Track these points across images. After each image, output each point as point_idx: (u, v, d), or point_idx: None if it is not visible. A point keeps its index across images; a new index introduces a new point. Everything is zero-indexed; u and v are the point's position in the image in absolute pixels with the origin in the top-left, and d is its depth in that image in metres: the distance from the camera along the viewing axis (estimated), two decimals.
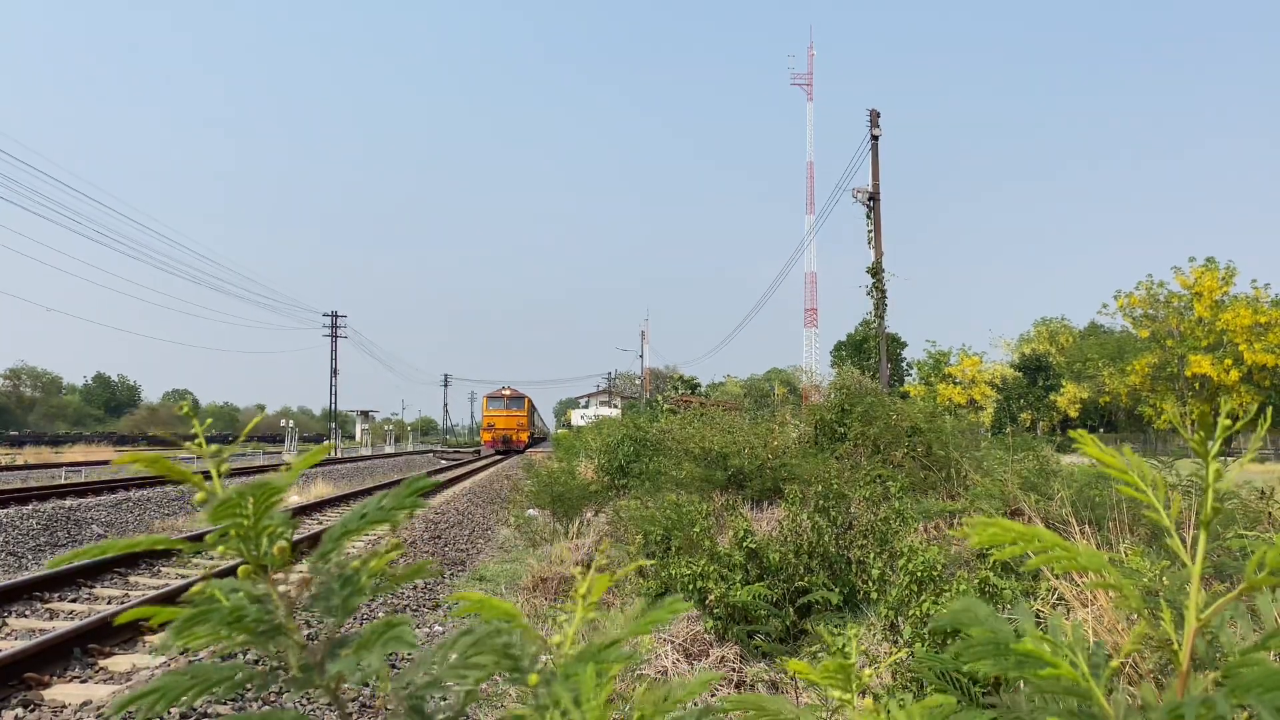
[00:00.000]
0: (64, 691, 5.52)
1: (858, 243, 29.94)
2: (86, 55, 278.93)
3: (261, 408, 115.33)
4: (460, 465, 37.53)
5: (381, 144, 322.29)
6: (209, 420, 0.93)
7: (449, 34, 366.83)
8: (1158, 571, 3.94)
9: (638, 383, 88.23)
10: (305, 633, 0.82)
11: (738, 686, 5.01)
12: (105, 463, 34.02)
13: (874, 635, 4.88)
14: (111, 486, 19.80)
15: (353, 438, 64.04)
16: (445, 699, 0.81)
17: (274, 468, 24.36)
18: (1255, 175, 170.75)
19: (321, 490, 21.03)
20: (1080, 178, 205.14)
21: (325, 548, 0.85)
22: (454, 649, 0.82)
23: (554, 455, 24.01)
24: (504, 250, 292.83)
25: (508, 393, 60.41)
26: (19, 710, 5.15)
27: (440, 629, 7.41)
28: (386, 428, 74.97)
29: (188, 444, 0.88)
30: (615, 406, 70.43)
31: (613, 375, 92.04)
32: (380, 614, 7.67)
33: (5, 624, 7.41)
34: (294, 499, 17.96)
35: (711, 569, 5.68)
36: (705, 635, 5.72)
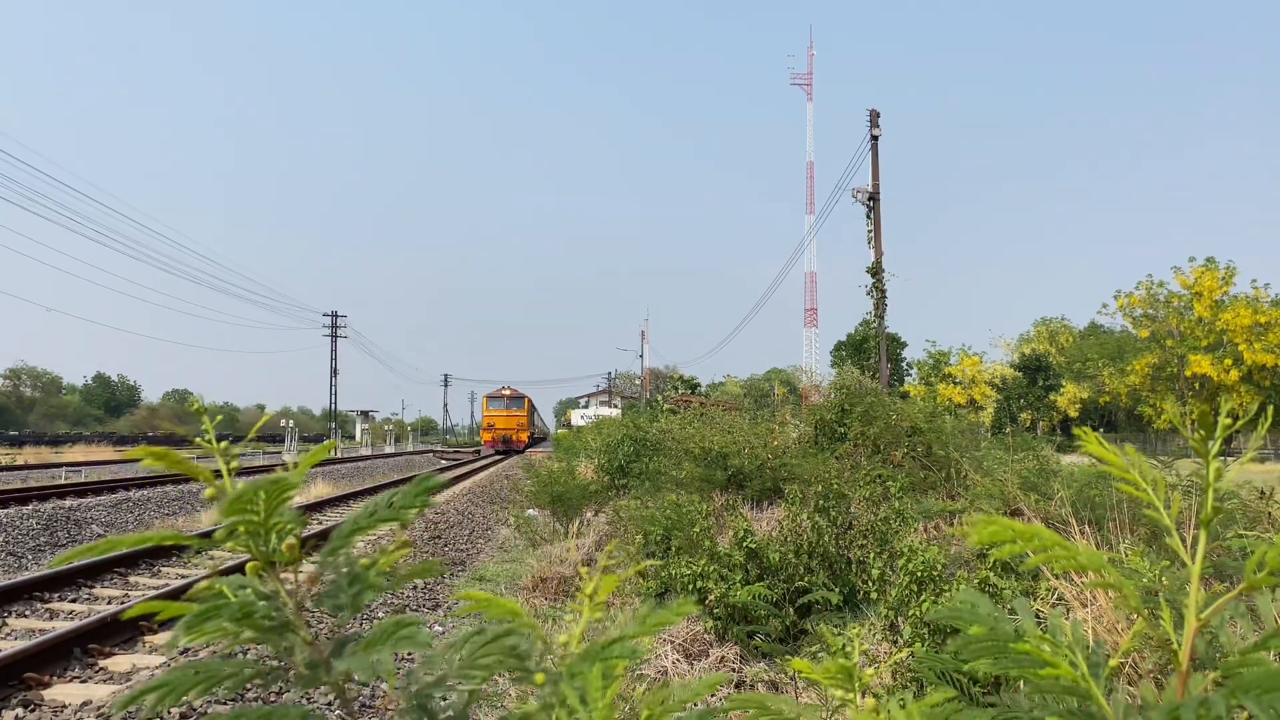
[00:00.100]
0: (64, 691, 5.53)
1: (858, 243, 29.97)
2: (86, 55, 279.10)
3: (261, 407, 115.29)
4: (460, 465, 37.53)
5: (381, 144, 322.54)
6: (219, 420, 0.93)
7: (449, 33, 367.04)
8: (1157, 572, 3.95)
9: (638, 383, 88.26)
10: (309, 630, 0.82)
11: (737, 686, 5.01)
12: (106, 463, 34.02)
13: (874, 635, 4.88)
14: (111, 487, 19.80)
15: (353, 438, 64.04)
16: (445, 698, 0.82)
17: (274, 467, 24.36)
18: (1255, 175, 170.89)
19: (321, 490, 21.03)
20: (1080, 177, 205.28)
21: (335, 544, 0.85)
22: (461, 648, 0.82)
23: (554, 455, 24.02)
24: (504, 250, 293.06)
25: (508, 393, 60.40)
26: (19, 710, 5.15)
27: (440, 629, 7.41)
28: (386, 428, 74.98)
29: (199, 439, 0.89)
30: (615, 406, 70.45)
31: (613, 375, 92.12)
32: (380, 614, 7.67)
33: (5, 624, 7.41)
34: (294, 499, 17.95)
35: (711, 569, 5.69)
36: (705, 635, 5.72)
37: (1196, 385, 56.97)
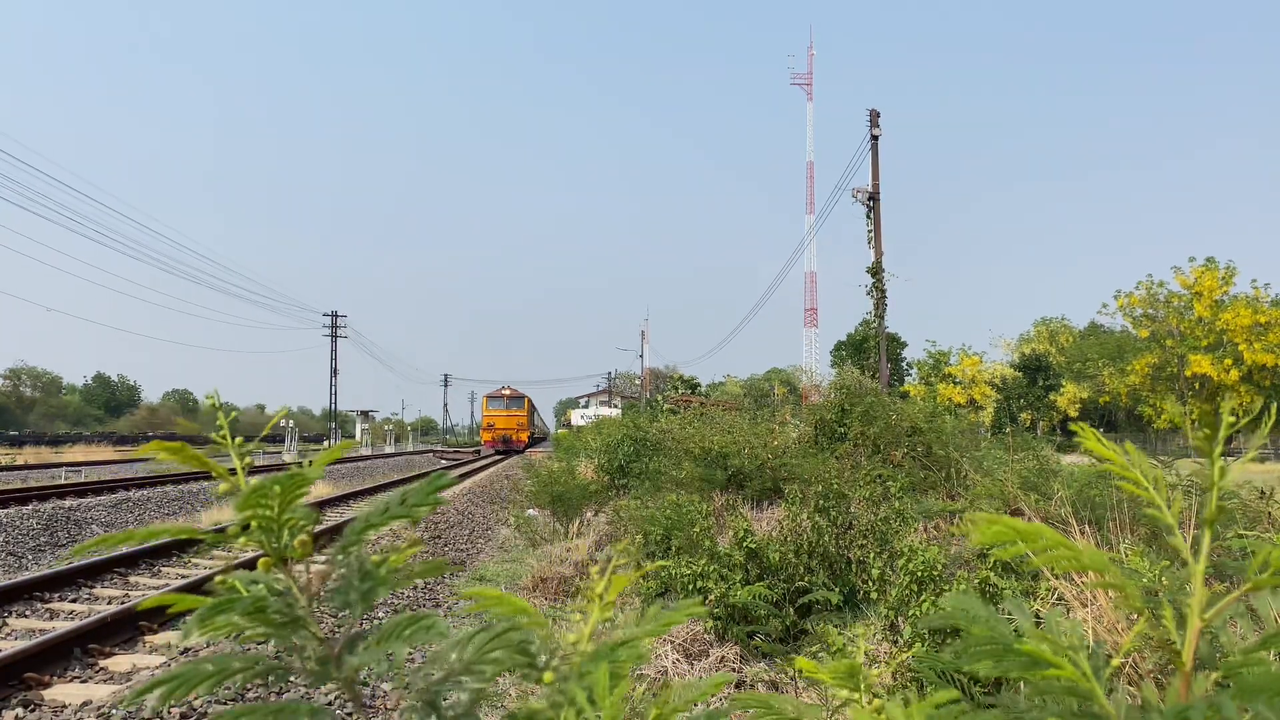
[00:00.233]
0: (64, 691, 5.52)
1: (858, 243, 29.96)
2: (86, 55, 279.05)
3: (261, 408, 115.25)
4: (460, 465, 37.52)
5: (381, 144, 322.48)
6: (233, 417, 0.93)
7: (449, 33, 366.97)
8: (1157, 572, 3.95)
9: (638, 383, 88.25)
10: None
11: (738, 687, 5.01)
12: (105, 463, 34.01)
13: (874, 635, 4.88)
14: (111, 487, 19.80)
15: (353, 438, 64.03)
16: (447, 696, 0.82)
17: (274, 468, 24.40)
18: (1256, 175, 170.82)
19: (321, 490, 21.03)
20: (1080, 177, 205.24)
21: (347, 541, 0.85)
22: (470, 645, 0.82)
23: (554, 455, 24.01)
24: (504, 250, 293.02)
25: (508, 392, 60.39)
26: (19, 710, 5.15)
27: None
28: (386, 428, 74.95)
29: (215, 436, 0.89)
30: (615, 406, 70.44)
31: (613, 375, 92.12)
32: (380, 614, 7.67)
33: (5, 624, 7.41)
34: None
35: (711, 569, 5.68)
36: (705, 635, 5.71)
37: (1196, 385, 56.97)
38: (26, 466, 29.97)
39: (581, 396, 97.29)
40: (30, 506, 14.84)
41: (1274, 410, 0.84)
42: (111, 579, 9.52)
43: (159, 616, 7.33)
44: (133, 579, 9.63)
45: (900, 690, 3.60)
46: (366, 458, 43.37)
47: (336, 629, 0.87)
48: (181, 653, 6.61)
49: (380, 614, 7.71)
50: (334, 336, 66.76)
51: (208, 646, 6.13)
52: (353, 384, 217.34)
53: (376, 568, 0.82)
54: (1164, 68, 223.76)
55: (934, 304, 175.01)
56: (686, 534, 6.54)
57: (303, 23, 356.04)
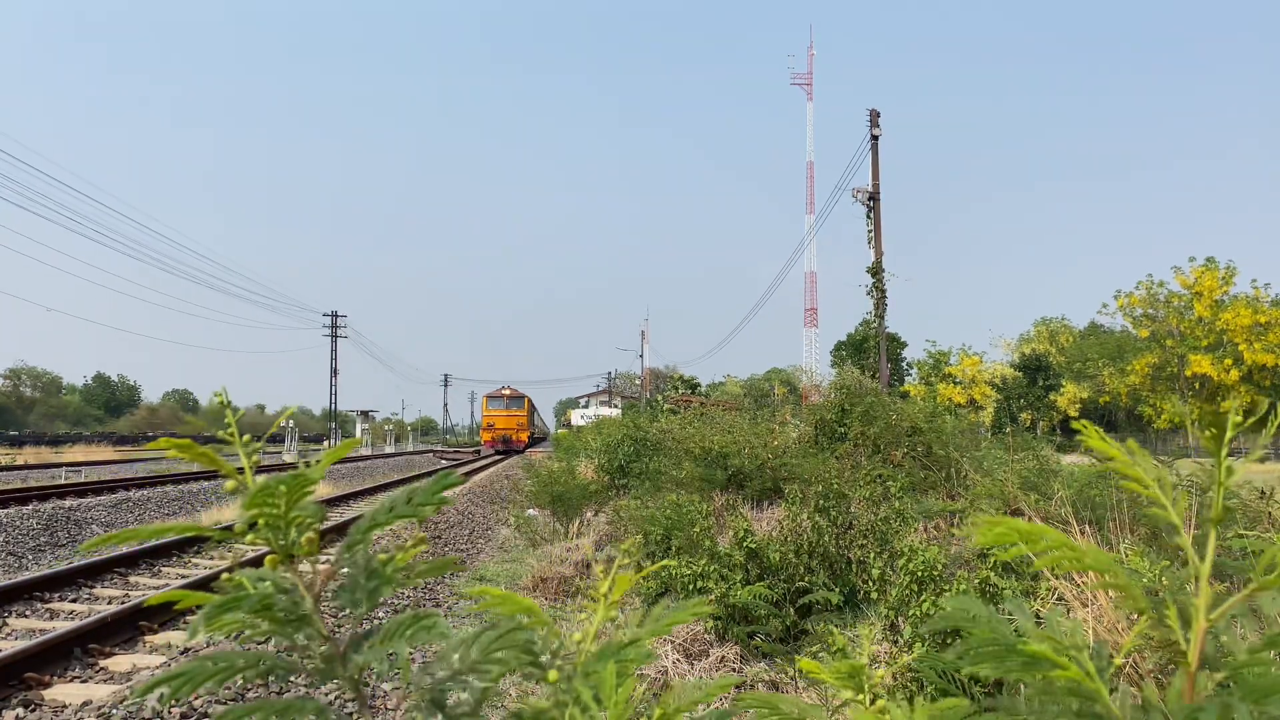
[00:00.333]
0: (64, 691, 5.53)
1: (858, 243, 29.96)
2: (85, 55, 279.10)
3: (261, 408, 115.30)
4: (460, 465, 37.52)
5: (381, 144, 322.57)
6: (240, 415, 0.94)
7: (448, 33, 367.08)
8: (1157, 572, 3.95)
9: (638, 383, 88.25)
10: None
11: (738, 687, 5.01)
12: (106, 463, 34.01)
13: (874, 635, 4.88)
14: (111, 487, 19.80)
15: (353, 437, 63.89)
16: (446, 694, 0.82)
17: (275, 468, 24.32)
18: (1256, 175, 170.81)
19: (322, 490, 21.03)
20: (1081, 177, 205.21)
21: (353, 539, 0.85)
22: (475, 644, 0.82)
23: (554, 455, 24.02)
24: (504, 250, 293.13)
25: (508, 392, 60.38)
26: (19, 710, 5.15)
27: None
28: (387, 428, 74.95)
29: (222, 433, 0.90)
30: (615, 406, 70.45)
31: (613, 375, 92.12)
32: (380, 614, 7.68)
33: (5, 624, 7.41)
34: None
35: (712, 569, 5.68)
36: (705, 635, 5.72)
37: (1196, 385, 56.99)
38: (26, 466, 29.98)
39: (581, 396, 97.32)
40: (30, 506, 14.84)
41: None
42: (111, 579, 9.52)
43: (159, 616, 7.33)
44: (133, 579, 9.63)
45: (901, 690, 3.60)
46: (367, 458, 43.38)
47: (336, 628, 0.87)
48: (181, 652, 6.61)
49: (380, 614, 7.71)
50: (334, 336, 66.77)
51: (207, 646, 6.13)
52: (353, 384, 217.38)
53: (383, 566, 0.83)
54: (1164, 68, 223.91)
55: (934, 304, 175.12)
56: (687, 534, 6.54)
57: (308, 25, 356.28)
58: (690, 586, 5.63)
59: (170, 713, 4.97)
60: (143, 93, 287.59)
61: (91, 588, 9.03)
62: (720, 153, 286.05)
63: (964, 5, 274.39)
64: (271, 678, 0.80)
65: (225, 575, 0.84)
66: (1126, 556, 4.71)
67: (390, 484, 24.31)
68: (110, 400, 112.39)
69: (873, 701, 1.12)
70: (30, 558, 11.33)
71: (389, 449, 61.58)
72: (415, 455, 51.21)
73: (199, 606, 0.79)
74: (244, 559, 8.16)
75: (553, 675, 0.82)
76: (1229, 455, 0.82)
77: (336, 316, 67.37)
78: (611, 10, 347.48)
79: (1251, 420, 0.79)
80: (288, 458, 38.24)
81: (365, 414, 59.95)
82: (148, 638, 6.95)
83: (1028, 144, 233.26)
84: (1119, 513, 5.88)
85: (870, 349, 37.49)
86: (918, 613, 4.26)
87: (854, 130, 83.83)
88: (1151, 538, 5.64)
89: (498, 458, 48.42)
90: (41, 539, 12.44)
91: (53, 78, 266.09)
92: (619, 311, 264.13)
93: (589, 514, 12.66)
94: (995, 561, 4.72)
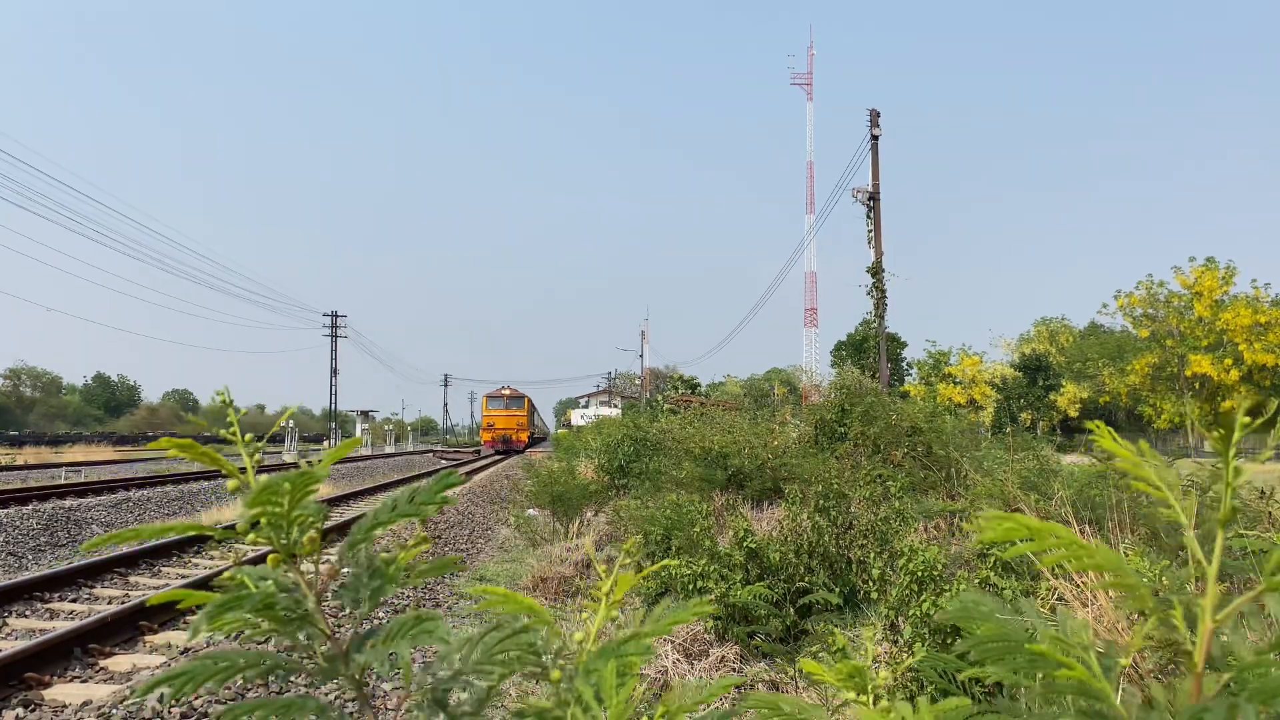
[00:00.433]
0: (64, 691, 5.53)
1: (858, 243, 29.97)
2: (85, 55, 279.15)
3: (261, 408, 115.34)
4: (460, 465, 37.52)
5: (381, 145, 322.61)
6: (243, 414, 0.94)
7: (449, 32, 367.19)
8: (1157, 571, 3.95)
9: (638, 383, 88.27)
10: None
11: (738, 688, 5.01)
12: (106, 463, 34.02)
13: (875, 635, 4.88)
14: (111, 487, 19.80)
15: (354, 437, 63.76)
16: (448, 694, 0.82)
17: (276, 467, 24.34)
18: (1256, 175, 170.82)
19: (322, 490, 21.00)
20: (1081, 178, 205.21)
21: (355, 538, 0.86)
22: (480, 644, 0.82)
23: (554, 455, 24.02)
24: (504, 250, 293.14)
25: (508, 392, 60.38)
26: (19, 710, 5.15)
27: None
28: (386, 428, 74.96)
29: (224, 432, 0.90)
30: (615, 406, 70.46)
31: (613, 375, 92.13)
32: (380, 614, 7.67)
33: (5, 624, 7.41)
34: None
35: (712, 569, 5.69)
36: (705, 635, 5.72)
37: (1196, 385, 57.01)
38: (26, 466, 29.98)
39: (581, 396, 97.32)
40: (30, 506, 14.85)
41: None
42: (111, 579, 9.52)
43: (159, 616, 7.33)
44: (133, 579, 9.63)
45: (901, 690, 3.60)
46: (367, 458, 43.38)
47: (337, 628, 0.87)
48: (182, 652, 6.61)
49: (380, 614, 7.71)
50: (334, 336, 66.78)
51: (207, 646, 6.13)
52: (353, 384, 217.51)
53: (385, 566, 0.83)
54: (1164, 68, 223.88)
55: (934, 304, 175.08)
56: (687, 534, 6.54)
57: (308, 25, 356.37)
58: (690, 586, 5.63)
59: (170, 713, 4.97)
60: (142, 92, 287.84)
61: (91, 588, 9.03)
62: (720, 152, 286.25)
63: (964, 5, 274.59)
64: (272, 677, 0.80)
65: (227, 574, 0.84)
66: (1127, 556, 4.71)
67: (390, 484, 24.31)
68: (110, 400, 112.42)
69: (874, 702, 1.12)
70: (30, 558, 11.33)
71: (389, 449, 61.58)
72: (415, 455, 51.21)
73: (199, 606, 0.79)
74: (245, 558, 8.16)
75: (555, 674, 0.82)
76: (1235, 455, 0.82)
77: (336, 316, 67.39)
78: (611, 10, 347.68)
79: (1260, 421, 0.79)
80: (288, 457, 38.25)
81: (365, 414, 59.95)
82: (148, 638, 6.95)
83: (1028, 144, 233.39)
84: (1119, 512, 5.88)
85: (870, 349, 37.50)
86: (918, 613, 4.26)
87: (854, 130, 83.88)
88: (1151, 537, 5.65)
89: (498, 458, 48.42)
90: (41, 539, 12.44)
91: (52, 77, 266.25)
92: (619, 311, 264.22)
93: (589, 514, 12.66)
94: (995, 561, 4.72)
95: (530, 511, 13.14)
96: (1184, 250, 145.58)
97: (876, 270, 25.36)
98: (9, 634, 7.12)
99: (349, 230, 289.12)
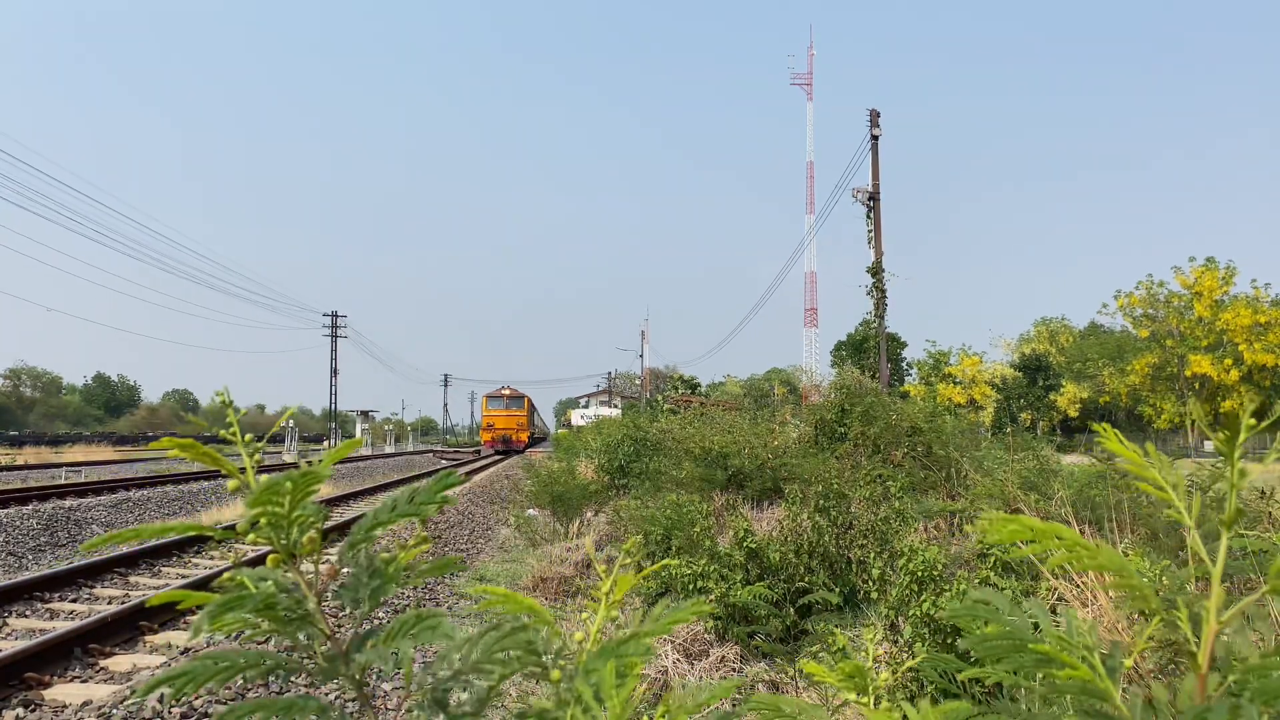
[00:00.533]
0: (64, 691, 5.52)
1: (858, 243, 29.97)
2: (85, 55, 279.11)
3: (261, 408, 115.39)
4: (460, 465, 37.52)
5: (381, 146, 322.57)
6: (242, 414, 0.94)
7: (448, 33, 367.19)
8: (1157, 572, 3.95)
9: (638, 383, 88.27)
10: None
11: (739, 689, 5.01)
12: (106, 463, 34.02)
13: (875, 636, 4.88)
14: (111, 487, 19.80)
15: (354, 437, 63.82)
16: (448, 694, 0.82)
17: (275, 468, 24.33)
18: (1256, 175, 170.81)
19: (322, 490, 21.01)
20: (1081, 177, 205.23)
21: (355, 538, 0.85)
22: (479, 643, 0.82)
23: (554, 455, 24.01)
24: (504, 250, 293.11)
25: (507, 392, 60.37)
26: (19, 710, 5.15)
27: None
28: (386, 428, 74.96)
29: (224, 432, 0.90)
30: (615, 406, 70.45)
31: (613, 375, 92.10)
32: (381, 614, 7.67)
33: (5, 624, 7.41)
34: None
35: (712, 569, 5.68)
36: (705, 635, 5.72)
37: (1196, 385, 57.01)
38: (26, 466, 29.98)
39: (581, 396, 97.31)
40: (30, 506, 14.85)
41: None
42: (111, 579, 9.52)
43: (159, 616, 7.33)
44: (133, 579, 9.63)
45: (901, 690, 3.60)
46: (367, 458, 43.38)
47: (338, 628, 0.87)
48: (182, 652, 6.61)
49: (380, 614, 7.71)
50: (334, 336, 66.77)
51: (208, 646, 6.13)
52: (353, 384, 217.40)
53: (385, 565, 0.83)
54: (1164, 68, 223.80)
55: (934, 304, 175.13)
56: (687, 534, 6.54)
57: (307, 25, 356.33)
58: (690, 586, 5.63)
59: (171, 713, 4.97)
60: (142, 92, 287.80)
61: (91, 588, 9.03)
62: (720, 152, 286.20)
63: (964, 5, 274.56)
64: (273, 677, 0.80)
65: (227, 575, 0.84)
66: (1128, 556, 4.71)
67: (390, 484, 24.31)
68: (110, 400, 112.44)
69: (875, 703, 1.12)
70: (30, 558, 11.33)
71: (389, 449, 61.59)
72: (415, 455, 51.21)
73: (200, 606, 0.79)
74: (245, 559, 8.17)
75: (555, 674, 0.82)
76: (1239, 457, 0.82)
77: (336, 316, 67.38)
78: (611, 10, 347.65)
79: (1266, 424, 0.79)
80: (288, 458, 38.24)
81: (365, 414, 59.97)
82: (148, 638, 6.95)
83: (1028, 144, 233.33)
84: (1118, 513, 5.88)
85: (870, 349, 37.51)
86: (918, 613, 4.26)
87: (854, 130, 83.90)
88: (1151, 538, 5.65)
89: (498, 458, 48.41)
90: (41, 539, 12.44)
91: (52, 77, 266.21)
92: (619, 311, 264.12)
93: (589, 514, 12.66)
94: (995, 561, 4.72)
95: (530, 511, 13.14)
96: (1184, 250, 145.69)
97: (876, 270, 25.36)
98: (9, 634, 7.11)
99: (349, 230, 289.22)
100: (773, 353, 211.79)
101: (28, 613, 7.89)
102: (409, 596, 8.62)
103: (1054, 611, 3.80)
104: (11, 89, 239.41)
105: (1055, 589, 4.47)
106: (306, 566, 0.84)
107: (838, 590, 5.88)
